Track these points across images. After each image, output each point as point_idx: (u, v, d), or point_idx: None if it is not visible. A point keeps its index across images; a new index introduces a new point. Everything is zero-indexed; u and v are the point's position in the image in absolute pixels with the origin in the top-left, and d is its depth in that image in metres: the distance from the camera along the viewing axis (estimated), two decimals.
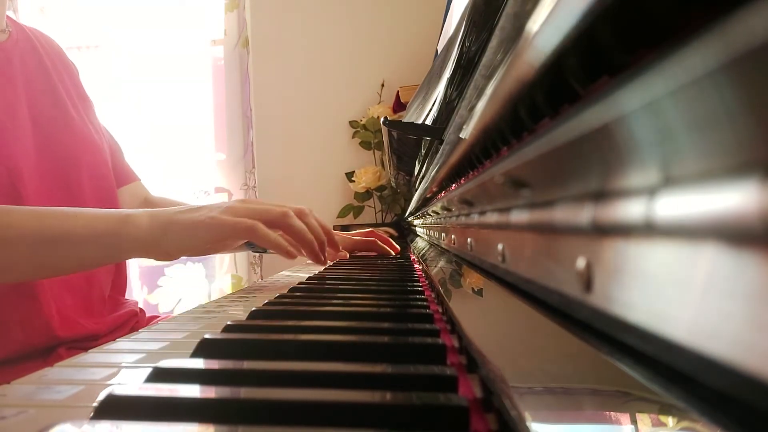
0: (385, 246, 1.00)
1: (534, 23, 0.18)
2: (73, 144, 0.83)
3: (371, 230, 1.05)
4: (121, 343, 0.38)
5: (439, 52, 0.97)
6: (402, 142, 0.79)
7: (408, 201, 1.36)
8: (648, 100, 0.12)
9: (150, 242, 0.56)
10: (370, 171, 1.88)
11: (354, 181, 1.89)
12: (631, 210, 0.14)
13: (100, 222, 0.56)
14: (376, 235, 1.01)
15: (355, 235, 1.00)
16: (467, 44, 0.42)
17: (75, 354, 0.35)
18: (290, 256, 0.60)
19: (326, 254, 0.67)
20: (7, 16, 0.83)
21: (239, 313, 0.50)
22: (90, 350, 0.35)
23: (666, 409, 0.12)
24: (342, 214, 1.94)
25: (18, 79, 0.79)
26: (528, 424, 0.17)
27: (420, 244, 1.11)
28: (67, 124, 0.84)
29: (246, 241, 0.60)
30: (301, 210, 0.65)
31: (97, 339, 0.81)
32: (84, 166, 0.84)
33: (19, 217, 0.55)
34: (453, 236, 0.53)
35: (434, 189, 0.64)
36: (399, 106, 1.82)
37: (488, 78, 0.27)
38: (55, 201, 0.78)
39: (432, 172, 0.58)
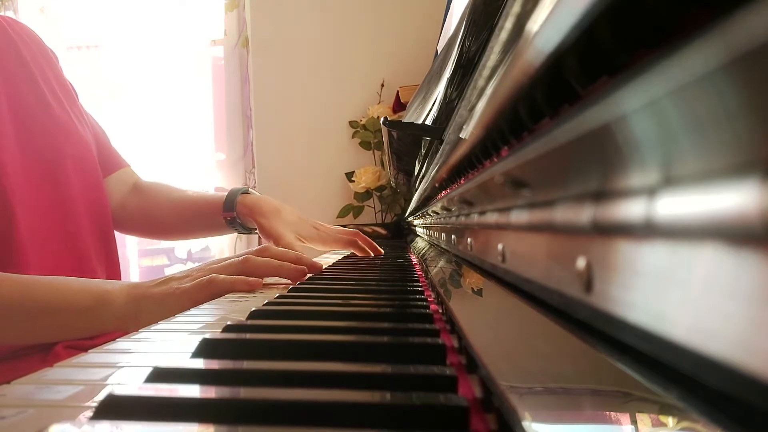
0: (366, 248, 0.98)
1: (534, 23, 0.18)
2: (56, 135, 0.82)
3: (357, 231, 1.02)
4: (121, 343, 0.38)
5: (439, 52, 0.97)
6: (402, 142, 0.79)
7: (408, 201, 1.36)
8: (648, 100, 0.12)
9: (126, 318, 0.58)
10: (369, 171, 1.88)
11: (354, 181, 1.89)
12: (631, 210, 0.14)
13: (80, 297, 0.59)
14: (361, 237, 0.98)
15: (340, 233, 0.97)
16: (467, 44, 0.42)
17: (74, 353, 0.35)
18: (251, 286, 0.61)
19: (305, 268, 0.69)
20: None
21: (239, 315, 0.50)
22: (90, 350, 0.35)
23: (666, 409, 0.12)
24: (342, 214, 1.94)
25: None
26: (527, 424, 0.17)
27: (420, 244, 1.11)
28: (48, 115, 0.82)
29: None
30: (263, 248, 0.69)
31: (93, 337, 0.81)
32: (69, 157, 0.82)
33: (4, 287, 0.58)
34: (453, 236, 0.53)
35: (434, 189, 0.64)
36: (399, 106, 1.81)
37: (488, 78, 0.27)
38: (41, 193, 0.78)
39: (432, 172, 0.58)
